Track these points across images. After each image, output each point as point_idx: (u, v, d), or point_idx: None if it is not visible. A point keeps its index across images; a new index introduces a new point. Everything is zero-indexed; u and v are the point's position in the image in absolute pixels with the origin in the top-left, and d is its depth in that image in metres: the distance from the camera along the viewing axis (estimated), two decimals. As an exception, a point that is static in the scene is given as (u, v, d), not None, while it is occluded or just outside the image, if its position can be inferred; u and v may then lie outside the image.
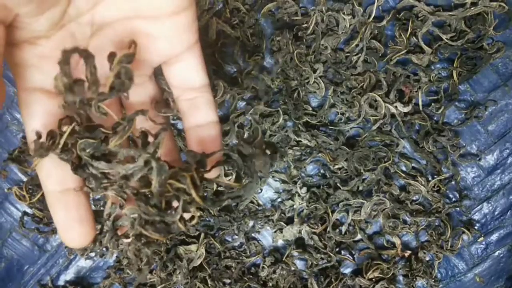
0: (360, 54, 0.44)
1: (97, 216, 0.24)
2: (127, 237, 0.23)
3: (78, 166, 0.22)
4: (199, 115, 0.26)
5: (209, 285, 0.47)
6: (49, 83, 0.21)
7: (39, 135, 0.21)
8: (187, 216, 0.22)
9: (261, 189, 0.48)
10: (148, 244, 0.22)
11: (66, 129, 0.21)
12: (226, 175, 0.46)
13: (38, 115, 0.22)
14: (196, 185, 0.20)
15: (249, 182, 0.22)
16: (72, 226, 0.23)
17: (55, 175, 0.22)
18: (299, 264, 0.48)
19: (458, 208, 0.47)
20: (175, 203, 0.21)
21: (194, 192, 0.20)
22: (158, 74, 0.28)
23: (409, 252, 0.48)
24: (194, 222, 0.21)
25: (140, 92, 0.27)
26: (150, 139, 0.21)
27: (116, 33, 0.23)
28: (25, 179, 0.48)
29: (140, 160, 0.20)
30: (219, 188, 0.45)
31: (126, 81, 0.20)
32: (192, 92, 0.26)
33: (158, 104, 0.28)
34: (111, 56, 0.21)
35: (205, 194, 0.21)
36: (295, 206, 0.47)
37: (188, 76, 0.26)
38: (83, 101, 0.20)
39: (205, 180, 0.21)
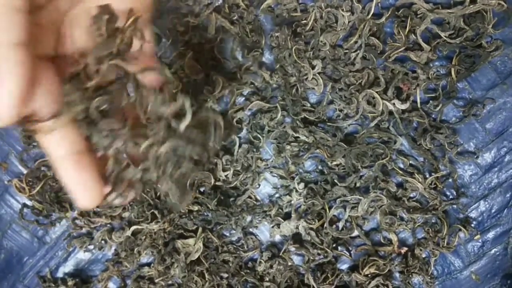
0: (358, 51, 0.44)
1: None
2: (133, 187, 0.25)
3: (89, 123, 0.23)
4: None
5: (207, 279, 0.47)
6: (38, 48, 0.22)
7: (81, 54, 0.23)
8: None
9: (259, 185, 0.48)
10: (185, 175, 0.25)
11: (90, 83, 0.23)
12: (224, 169, 0.46)
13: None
14: None
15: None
16: (85, 187, 0.24)
17: (67, 139, 0.23)
18: (296, 260, 0.49)
19: (455, 206, 0.47)
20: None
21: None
22: None
23: (405, 248, 0.48)
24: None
25: None
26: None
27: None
28: (25, 171, 0.48)
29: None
30: (216, 183, 0.46)
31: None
32: None
33: None
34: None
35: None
36: (292, 202, 0.47)
37: None
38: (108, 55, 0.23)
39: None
